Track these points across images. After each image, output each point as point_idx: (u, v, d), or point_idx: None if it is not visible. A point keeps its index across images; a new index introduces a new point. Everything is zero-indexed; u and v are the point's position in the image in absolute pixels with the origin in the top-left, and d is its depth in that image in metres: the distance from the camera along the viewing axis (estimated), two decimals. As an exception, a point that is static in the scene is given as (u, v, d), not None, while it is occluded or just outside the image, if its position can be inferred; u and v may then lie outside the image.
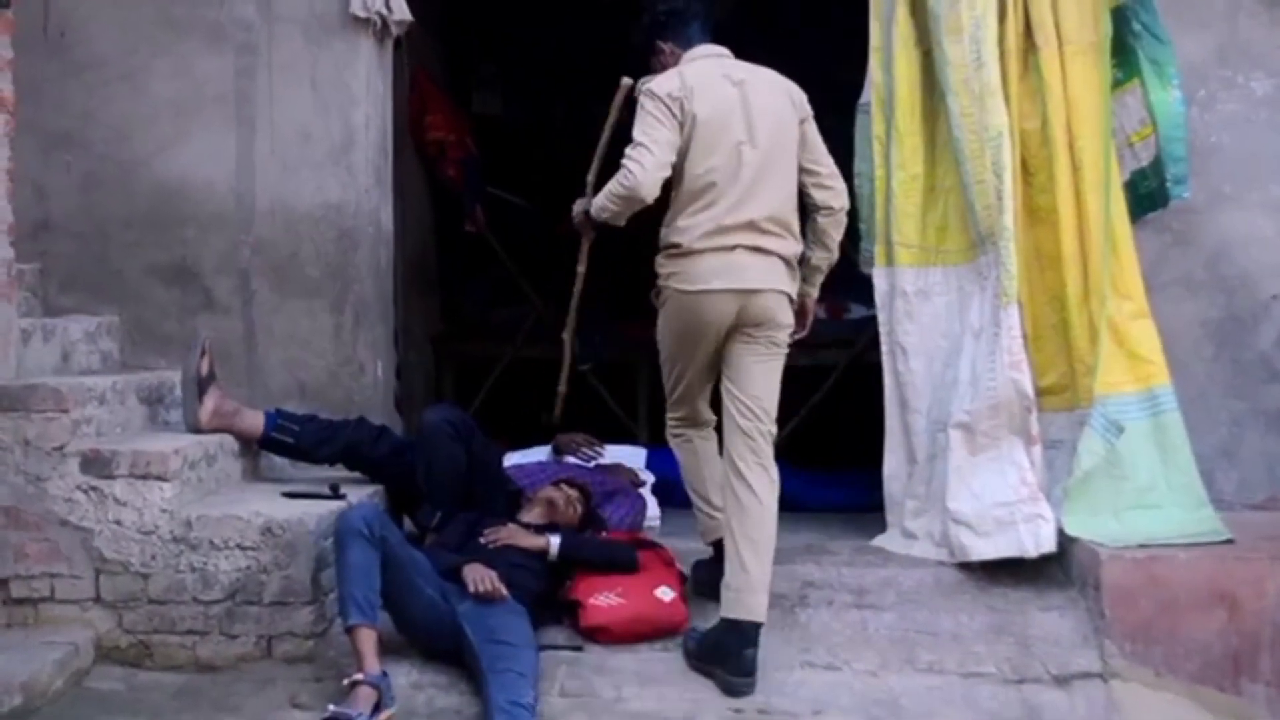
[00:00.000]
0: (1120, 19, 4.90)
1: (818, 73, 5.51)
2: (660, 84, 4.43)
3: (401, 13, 5.20)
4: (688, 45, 4.57)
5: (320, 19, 5.17)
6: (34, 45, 5.04)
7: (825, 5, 6.94)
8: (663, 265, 4.46)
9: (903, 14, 5.05)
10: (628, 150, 4.34)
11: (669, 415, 4.66)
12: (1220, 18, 5.15)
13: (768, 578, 4.31)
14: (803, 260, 4.55)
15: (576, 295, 4.98)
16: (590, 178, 4.71)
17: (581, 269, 4.88)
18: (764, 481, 4.35)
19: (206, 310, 5.19)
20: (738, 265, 4.37)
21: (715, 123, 4.38)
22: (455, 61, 8.03)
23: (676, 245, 4.40)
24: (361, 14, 5.12)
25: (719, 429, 4.55)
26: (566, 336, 5.08)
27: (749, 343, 4.42)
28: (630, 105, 4.60)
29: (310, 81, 5.17)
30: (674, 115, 4.36)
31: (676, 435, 4.66)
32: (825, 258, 4.64)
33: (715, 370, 4.50)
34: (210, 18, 5.18)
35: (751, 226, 4.38)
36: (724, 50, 4.57)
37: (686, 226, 4.38)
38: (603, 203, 4.42)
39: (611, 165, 4.50)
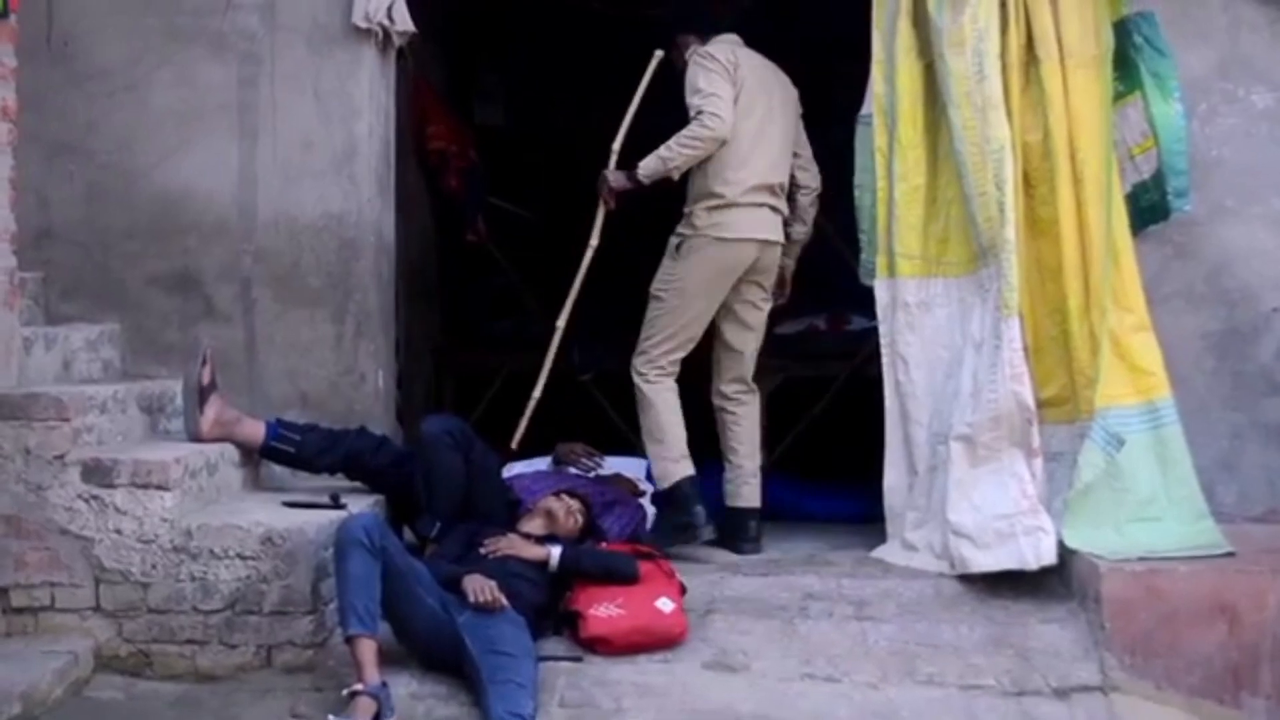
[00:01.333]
0: (1122, 32, 4.92)
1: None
2: (715, 50, 5.15)
3: (404, 24, 5.21)
4: (706, 37, 5.24)
5: (323, 29, 5.18)
6: (37, 54, 5.06)
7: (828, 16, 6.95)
8: (699, 216, 5.13)
9: (905, 26, 5.06)
10: (698, 101, 5.03)
11: (658, 361, 5.16)
12: (1222, 31, 5.15)
13: (757, 466, 5.33)
14: (786, 235, 5.31)
15: (583, 270, 5.33)
16: (616, 145, 5.23)
17: (595, 242, 5.29)
18: (752, 398, 5.39)
19: (208, 319, 5.19)
20: (765, 220, 5.21)
21: (755, 91, 5.15)
22: (457, 72, 8.04)
23: (721, 196, 5.10)
24: (363, 25, 5.13)
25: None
26: (560, 324, 5.43)
27: (755, 288, 5.28)
28: (656, 80, 5.24)
29: (313, 91, 5.18)
30: (729, 76, 5.09)
31: (658, 380, 5.16)
32: (804, 232, 5.47)
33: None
34: (213, 27, 5.19)
35: (773, 189, 5.22)
36: (738, 39, 5.27)
37: (734, 180, 5.10)
38: (674, 152, 5.03)
39: (638, 136, 5.15)
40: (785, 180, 5.27)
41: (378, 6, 5.13)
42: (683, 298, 5.16)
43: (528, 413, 5.39)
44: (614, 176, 5.23)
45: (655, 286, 5.23)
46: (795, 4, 7.03)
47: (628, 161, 5.26)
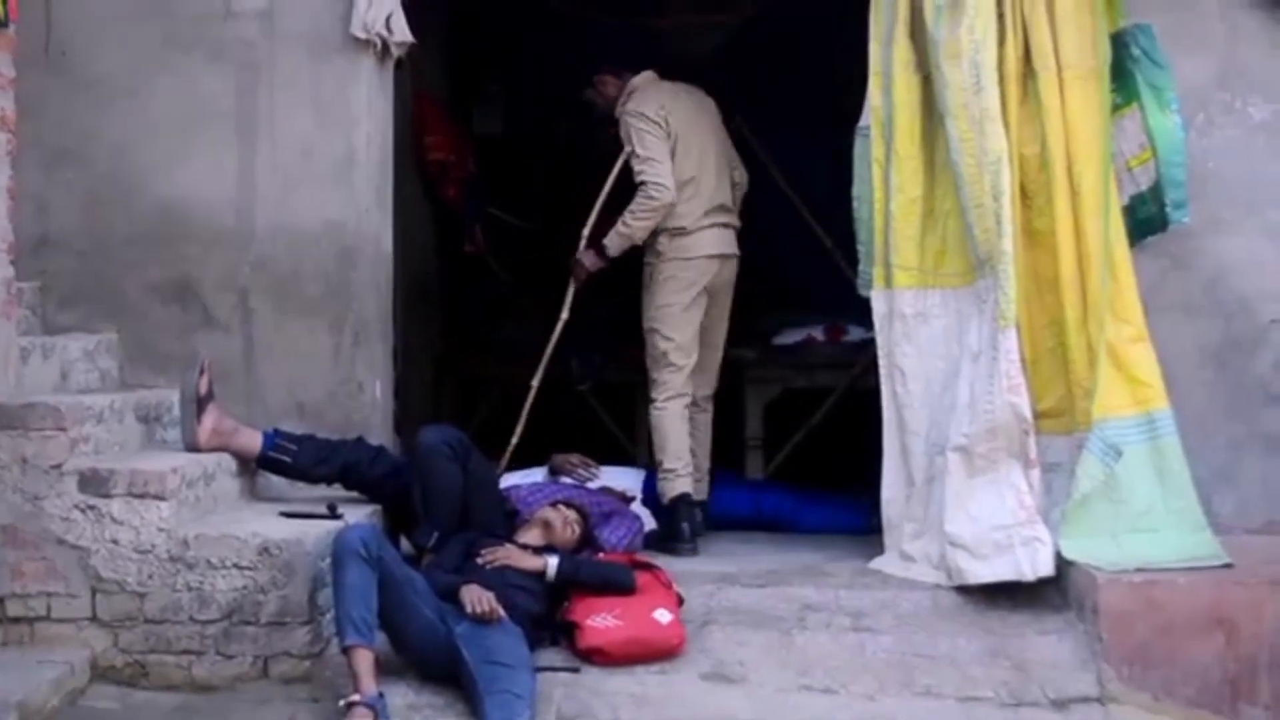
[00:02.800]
0: (1119, 44, 4.92)
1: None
2: (643, 105, 5.54)
3: (402, 34, 5.20)
4: (623, 74, 5.68)
5: (322, 39, 5.17)
6: (36, 63, 5.05)
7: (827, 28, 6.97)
8: (662, 244, 5.53)
9: (902, 38, 5.06)
10: (640, 167, 5.44)
11: (670, 385, 5.53)
12: (1219, 43, 5.16)
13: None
14: None
15: (554, 340, 5.77)
16: (586, 230, 5.63)
17: (565, 316, 5.74)
18: (710, 407, 5.86)
19: (205, 328, 5.18)
20: (721, 237, 5.66)
21: (688, 132, 5.57)
22: (457, 81, 8.05)
23: (680, 227, 5.52)
24: (362, 35, 5.12)
25: None
26: (534, 384, 5.82)
27: (718, 301, 5.71)
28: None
29: (312, 100, 5.18)
30: (663, 128, 5.50)
31: (666, 404, 5.53)
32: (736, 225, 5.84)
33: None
34: (213, 36, 5.18)
35: (723, 207, 5.69)
36: (655, 74, 5.71)
37: (687, 212, 5.52)
38: (632, 227, 5.46)
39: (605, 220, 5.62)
40: (729, 195, 5.76)
41: (376, 17, 5.12)
42: (670, 322, 5.53)
43: (512, 444, 5.76)
44: (588, 259, 5.65)
45: (645, 321, 5.59)
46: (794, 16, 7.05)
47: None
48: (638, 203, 5.44)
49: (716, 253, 5.60)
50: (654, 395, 5.58)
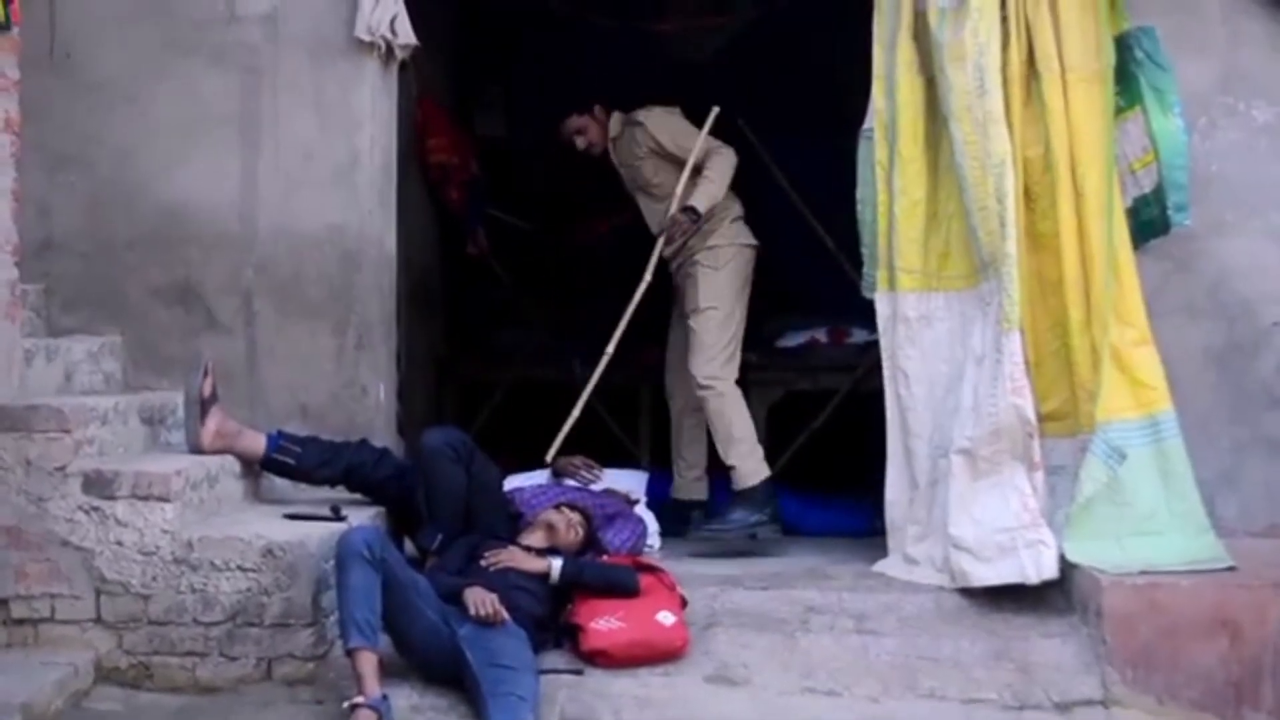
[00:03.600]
0: (1123, 47, 4.93)
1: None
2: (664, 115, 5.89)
3: (406, 37, 5.21)
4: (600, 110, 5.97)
5: (325, 42, 5.18)
6: (40, 66, 5.04)
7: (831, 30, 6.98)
8: (726, 228, 5.75)
9: (905, 41, 5.07)
10: (705, 144, 5.67)
11: (727, 366, 5.58)
12: (1222, 46, 5.16)
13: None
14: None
15: (636, 300, 5.67)
16: (679, 189, 5.67)
17: (649, 278, 5.69)
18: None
19: (209, 331, 5.18)
20: None
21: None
22: (459, 83, 8.05)
23: (738, 210, 5.82)
24: (366, 38, 5.13)
25: None
26: (609, 349, 5.72)
27: None
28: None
29: (315, 104, 5.18)
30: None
31: (730, 385, 5.56)
32: None
33: None
34: (216, 39, 5.19)
35: None
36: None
37: (734, 197, 5.82)
38: (719, 184, 5.65)
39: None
40: None
41: (380, 19, 5.13)
42: (731, 304, 5.67)
43: (565, 429, 5.65)
44: (684, 218, 5.65)
45: (704, 300, 5.65)
46: (796, 19, 7.06)
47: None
48: (720, 164, 5.65)
49: (754, 242, 5.83)
50: (716, 374, 5.57)
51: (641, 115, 5.86)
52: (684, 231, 5.67)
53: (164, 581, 4.33)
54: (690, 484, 5.97)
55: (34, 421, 4.33)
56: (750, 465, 5.52)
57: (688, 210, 5.64)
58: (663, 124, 5.82)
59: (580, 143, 6.01)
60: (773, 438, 6.73)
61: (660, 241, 5.72)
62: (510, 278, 7.32)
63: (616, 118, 6.00)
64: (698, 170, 5.67)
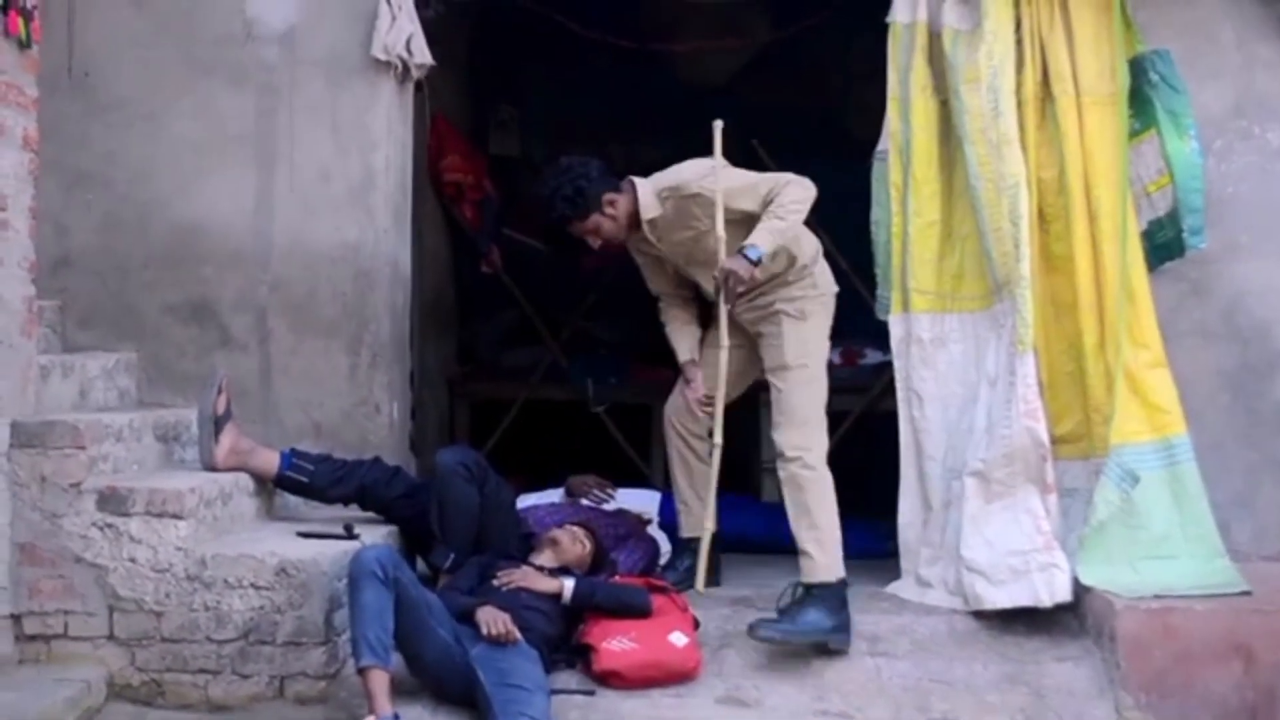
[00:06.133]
0: (1137, 69, 4.94)
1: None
2: (700, 170, 4.87)
3: (422, 56, 5.24)
4: (619, 185, 4.92)
5: (342, 61, 5.21)
6: (58, 85, 5.09)
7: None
8: (819, 275, 4.98)
9: (920, 63, 5.08)
10: (785, 178, 4.81)
11: (816, 442, 4.80)
12: (1237, 70, 5.17)
13: None
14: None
15: (723, 374, 4.86)
16: (720, 233, 4.75)
17: (727, 343, 4.84)
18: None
19: (223, 348, 5.20)
20: None
21: None
22: (474, 102, 8.08)
23: (817, 251, 5.01)
24: (382, 57, 5.16)
25: None
26: (718, 440, 4.91)
27: None
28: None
29: (331, 123, 5.21)
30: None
31: (816, 465, 4.78)
32: None
33: None
34: (233, 59, 5.22)
35: None
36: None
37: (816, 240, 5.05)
38: (789, 222, 4.73)
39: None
40: None
41: (396, 39, 5.16)
42: (821, 358, 4.95)
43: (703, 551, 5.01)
44: (739, 264, 4.66)
45: (791, 356, 4.84)
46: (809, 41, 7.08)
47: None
48: (790, 195, 4.72)
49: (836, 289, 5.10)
50: (799, 453, 4.76)
51: (694, 185, 4.83)
52: (741, 282, 4.68)
53: (177, 599, 4.34)
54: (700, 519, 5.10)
55: (49, 438, 4.35)
56: (827, 559, 4.70)
57: (742, 254, 4.66)
58: (726, 183, 4.81)
59: (593, 243, 5.00)
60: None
61: (721, 303, 4.79)
62: (523, 297, 7.33)
63: (648, 192, 4.89)
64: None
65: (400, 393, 5.36)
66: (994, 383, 4.89)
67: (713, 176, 4.81)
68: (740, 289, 4.72)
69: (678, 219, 4.87)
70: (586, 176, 4.87)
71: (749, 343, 5.03)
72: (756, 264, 4.67)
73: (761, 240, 4.67)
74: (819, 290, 4.97)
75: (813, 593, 4.63)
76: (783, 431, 4.80)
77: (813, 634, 4.55)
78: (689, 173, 4.87)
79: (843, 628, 4.59)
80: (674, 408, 5.16)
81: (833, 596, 4.63)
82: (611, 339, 7.38)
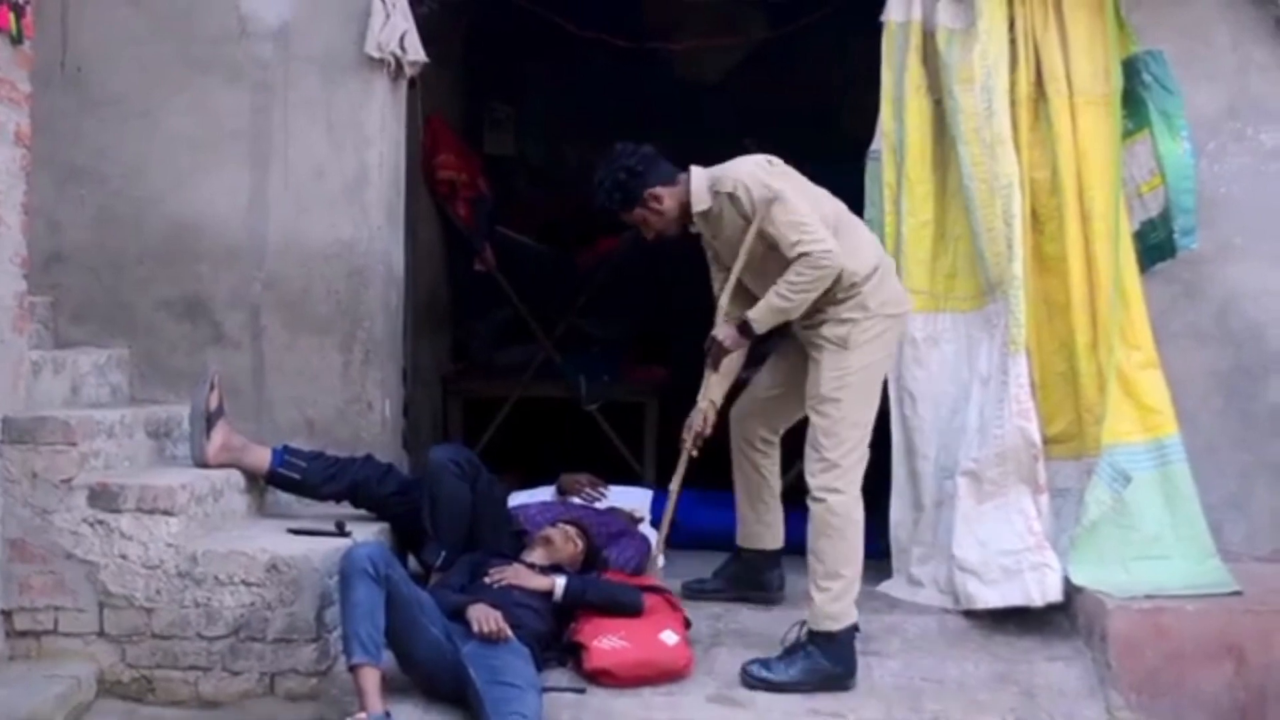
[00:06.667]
0: (1131, 70, 4.95)
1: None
2: (762, 178, 4.52)
3: (416, 54, 5.23)
4: (674, 176, 4.64)
5: (336, 59, 5.20)
6: (51, 80, 5.08)
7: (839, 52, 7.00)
8: (870, 295, 4.48)
9: (914, 63, 5.09)
10: (799, 235, 4.39)
11: (853, 471, 4.49)
12: (1232, 72, 5.18)
13: None
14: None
15: (697, 436, 4.77)
16: (723, 301, 4.67)
17: (706, 404, 4.75)
18: None
19: (216, 345, 5.19)
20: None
21: (799, 180, 4.65)
22: (469, 100, 8.08)
23: (883, 264, 4.57)
24: (376, 55, 5.15)
25: None
26: (674, 487, 4.85)
27: None
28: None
29: (325, 120, 5.20)
30: (789, 183, 4.56)
31: (854, 497, 4.50)
32: None
33: None
34: (228, 56, 5.21)
35: None
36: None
37: (877, 245, 4.69)
38: (793, 301, 4.42)
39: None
40: None
41: (390, 36, 5.15)
42: (865, 392, 4.52)
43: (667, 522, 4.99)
44: (727, 335, 4.59)
45: (826, 388, 4.47)
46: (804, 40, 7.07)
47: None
48: (801, 273, 4.38)
49: (903, 309, 4.67)
50: (834, 485, 4.47)
51: (729, 183, 4.55)
52: (725, 353, 4.62)
53: (168, 595, 4.33)
54: (766, 530, 5.00)
55: (40, 434, 4.35)
56: (839, 607, 4.45)
57: (733, 328, 4.57)
58: (749, 179, 4.55)
59: (646, 233, 4.79)
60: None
61: (708, 367, 4.70)
62: (516, 295, 7.33)
63: (702, 184, 4.60)
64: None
65: (393, 390, 5.36)
66: (986, 382, 4.90)
67: (759, 176, 4.54)
68: (721, 359, 4.66)
69: (728, 219, 4.62)
70: (631, 169, 4.63)
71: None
72: (749, 336, 4.57)
73: (761, 316, 4.50)
74: (868, 312, 4.48)
75: (816, 640, 4.45)
76: (810, 467, 4.51)
77: (816, 678, 4.39)
78: (737, 170, 4.60)
79: (837, 679, 4.40)
80: (739, 412, 4.92)
81: (841, 644, 4.43)
82: (604, 337, 7.38)
